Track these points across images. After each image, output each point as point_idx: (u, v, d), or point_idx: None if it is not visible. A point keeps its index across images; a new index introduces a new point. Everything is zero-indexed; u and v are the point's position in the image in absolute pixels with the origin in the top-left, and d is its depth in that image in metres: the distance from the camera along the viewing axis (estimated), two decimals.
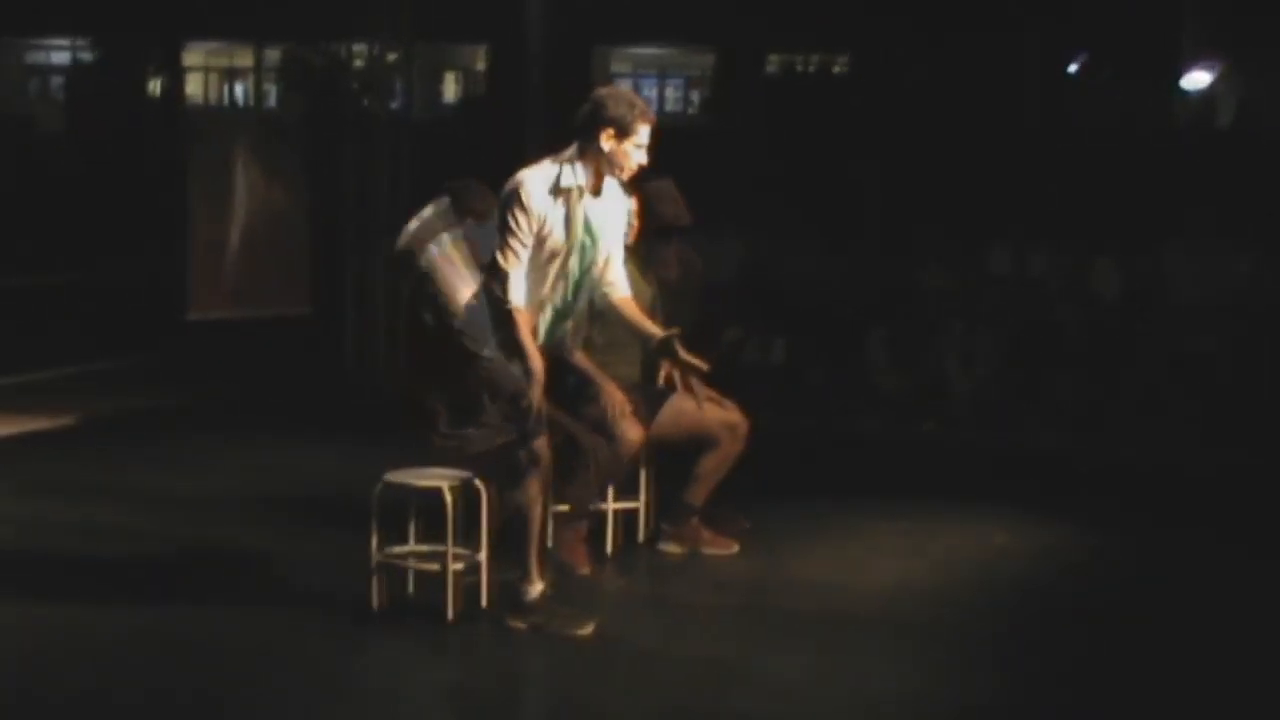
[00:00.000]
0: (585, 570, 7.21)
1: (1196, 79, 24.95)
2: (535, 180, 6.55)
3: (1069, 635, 6.73)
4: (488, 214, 6.64)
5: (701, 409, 7.38)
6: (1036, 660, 6.44)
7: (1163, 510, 9.05)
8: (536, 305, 6.66)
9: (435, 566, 6.60)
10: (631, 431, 7.05)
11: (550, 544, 7.00)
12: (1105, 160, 14.56)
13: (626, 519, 7.70)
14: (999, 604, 7.14)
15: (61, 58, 36.77)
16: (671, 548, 7.68)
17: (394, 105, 13.48)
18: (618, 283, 6.80)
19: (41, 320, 12.77)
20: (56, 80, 35.98)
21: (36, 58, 38.44)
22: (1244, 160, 14.64)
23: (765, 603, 7.05)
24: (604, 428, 6.99)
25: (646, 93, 38.53)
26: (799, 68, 28.32)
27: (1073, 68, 25.41)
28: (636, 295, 7.04)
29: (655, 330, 6.76)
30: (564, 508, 7.24)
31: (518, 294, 6.50)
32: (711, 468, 7.57)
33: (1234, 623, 6.98)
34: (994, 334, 11.53)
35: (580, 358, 7.12)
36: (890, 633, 6.65)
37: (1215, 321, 11.28)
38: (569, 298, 6.76)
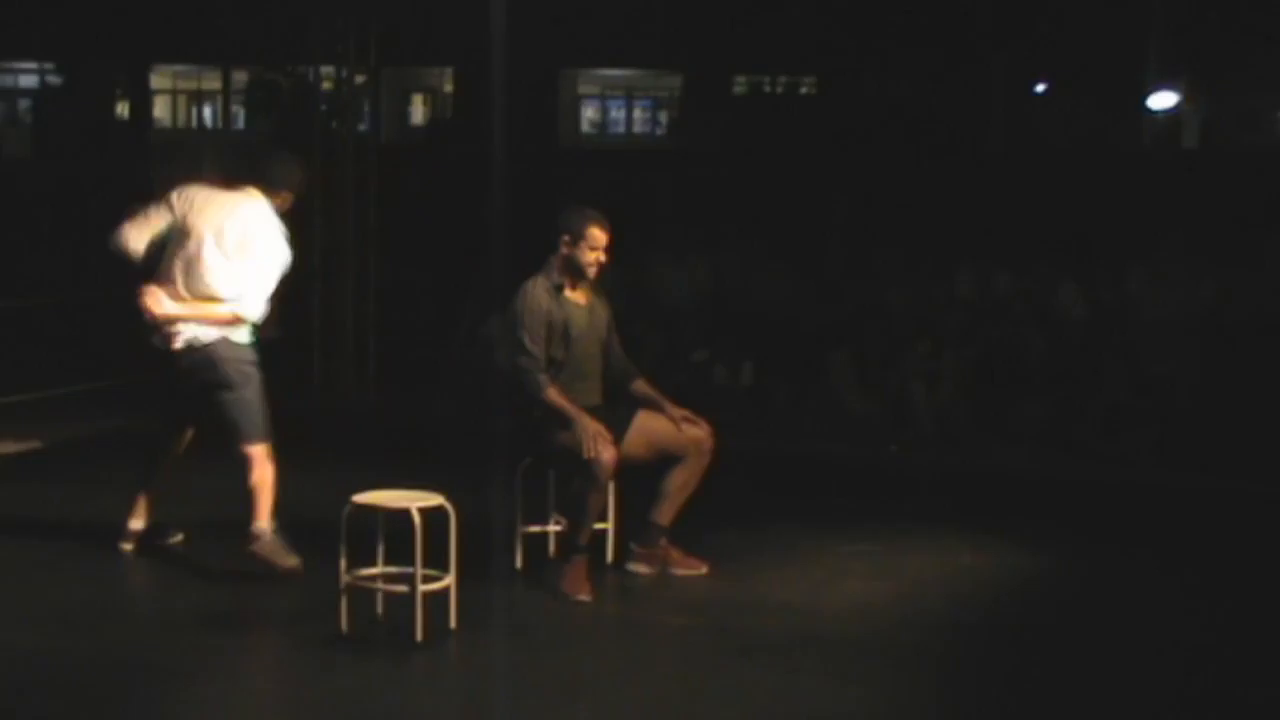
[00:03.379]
0: (586, 597, 7.25)
1: (1163, 99, 25.10)
2: None
3: (1035, 656, 6.77)
4: None
5: (680, 429, 7.52)
6: (1003, 680, 6.47)
7: (1128, 531, 9.09)
8: None
9: (404, 588, 6.62)
10: (605, 453, 7.18)
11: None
12: (1071, 181, 14.63)
13: (596, 540, 7.71)
14: (965, 625, 7.17)
15: (30, 81, 36.70)
16: (641, 568, 7.70)
17: (361, 127, 13.49)
18: None
19: (8, 344, 12.72)
20: (25, 104, 35.90)
21: (4, 81, 38.37)
22: (1210, 180, 14.73)
23: (733, 623, 7.07)
24: (578, 453, 7.15)
25: (614, 114, 38.67)
26: (766, 89, 28.47)
27: (1039, 88, 25.56)
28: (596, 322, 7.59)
29: None
30: (557, 527, 7.64)
31: None
32: (679, 484, 7.60)
33: (1201, 643, 7.03)
34: (959, 355, 11.57)
35: (552, 390, 7.31)
36: (857, 653, 6.68)
37: (1180, 342, 11.33)
38: None
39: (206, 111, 39.25)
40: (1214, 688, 6.43)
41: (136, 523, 7.88)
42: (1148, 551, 8.60)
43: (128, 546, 7.83)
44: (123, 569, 7.68)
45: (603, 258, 7.56)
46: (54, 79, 32.65)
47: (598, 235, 7.50)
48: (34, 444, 10.57)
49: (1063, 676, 6.46)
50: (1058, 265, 12.26)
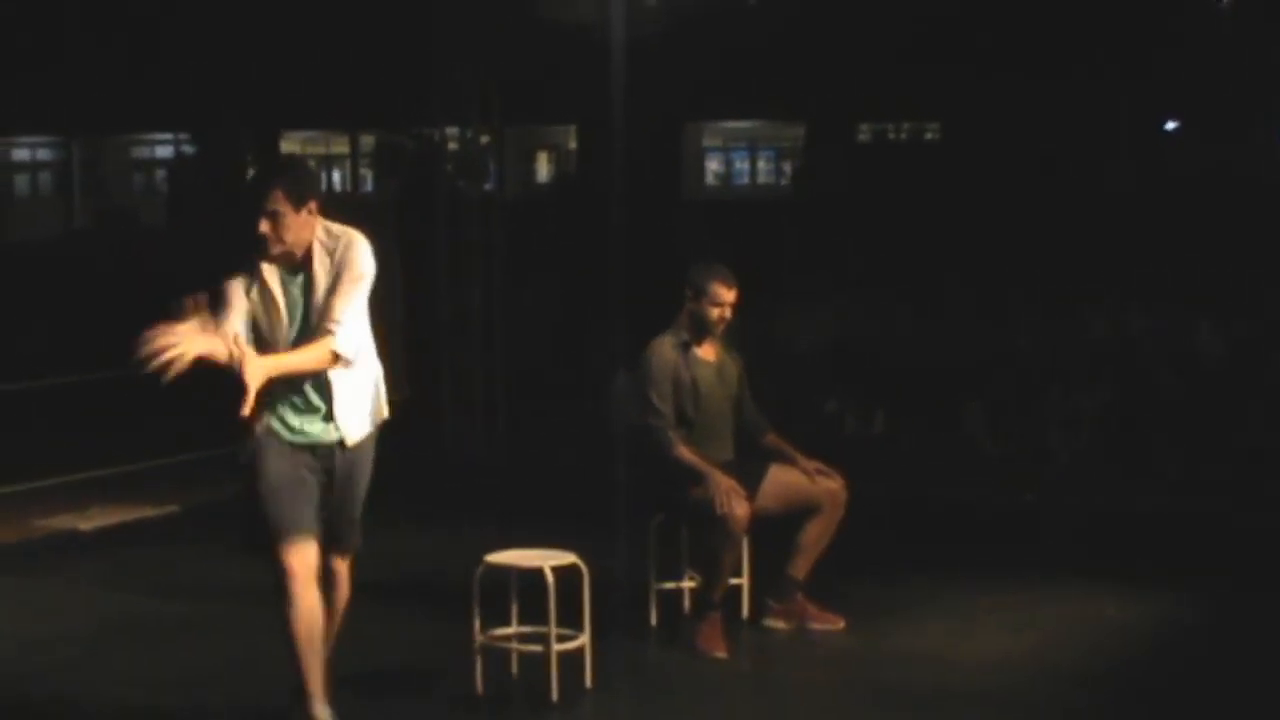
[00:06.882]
0: (722, 654, 7.21)
1: None
2: None
3: (1183, 711, 6.60)
4: None
5: (814, 481, 7.48)
6: None
7: (1276, 578, 8.83)
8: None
9: (538, 648, 6.59)
10: (739, 508, 7.15)
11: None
12: (1204, 216, 14.42)
13: (731, 596, 7.65)
14: (1109, 679, 7.01)
15: (165, 151, 37.45)
16: (777, 623, 7.62)
17: (487, 186, 13.57)
18: None
19: (143, 410, 12.91)
20: (161, 174, 36.66)
21: (141, 153, 39.19)
22: None
23: (871, 677, 6.98)
24: (710, 509, 7.11)
25: (738, 166, 38.73)
26: (890, 135, 28.38)
27: (1169, 125, 25.24)
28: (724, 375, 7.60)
29: None
30: (691, 584, 7.63)
31: None
32: (814, 537, 7.53)
33: None
34: (1094, 398, 11.39)
35: (681, 448, 7.30)
36: (997, 708, 6.57)
37: None
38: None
39: (335, 175, 39.82)
40: None
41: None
42: None
43: None
44: (255, 630, 7.71)
45: (728, 314, 7.52)
46: (187, 148, 33.30)
47: (721, 291, 7.47)
48: (171, 508, 10.70)
49: None
50: (1193, 303, 12.05)
